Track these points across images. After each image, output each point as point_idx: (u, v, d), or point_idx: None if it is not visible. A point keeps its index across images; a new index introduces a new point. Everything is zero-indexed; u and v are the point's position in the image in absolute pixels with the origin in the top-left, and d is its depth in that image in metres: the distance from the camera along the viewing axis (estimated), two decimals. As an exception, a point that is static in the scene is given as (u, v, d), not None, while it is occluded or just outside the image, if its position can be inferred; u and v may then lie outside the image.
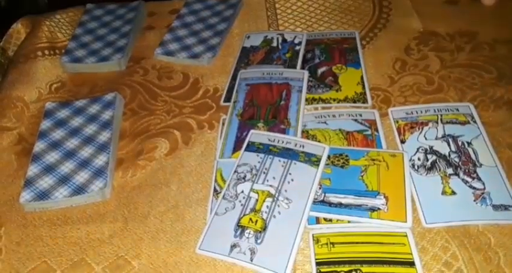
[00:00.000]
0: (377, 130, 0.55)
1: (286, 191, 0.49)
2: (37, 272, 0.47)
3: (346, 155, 0.52)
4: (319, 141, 0.55)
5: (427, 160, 0.52)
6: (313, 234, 0.46)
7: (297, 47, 0.68)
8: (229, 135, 0.57)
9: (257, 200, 0.49)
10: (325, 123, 0.57)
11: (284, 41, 0.70)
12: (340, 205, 0.48)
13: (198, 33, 0.73)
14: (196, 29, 0.74)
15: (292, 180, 0.50)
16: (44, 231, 0.51)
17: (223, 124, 0.59)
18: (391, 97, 0.60)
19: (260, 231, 0.47)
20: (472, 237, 0.45)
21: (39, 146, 0.58)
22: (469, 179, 0.50)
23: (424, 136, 0.55)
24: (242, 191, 0.50)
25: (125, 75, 0.69)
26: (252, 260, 0.45)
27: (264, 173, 0.51)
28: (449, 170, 0.51)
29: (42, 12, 0.82)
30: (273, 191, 0.49)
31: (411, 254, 0.44)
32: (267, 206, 0.48)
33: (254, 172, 0.52)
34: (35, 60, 0.72)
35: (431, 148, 0.53)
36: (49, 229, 0.51)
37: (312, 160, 0.51)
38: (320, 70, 0.65)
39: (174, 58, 0.70)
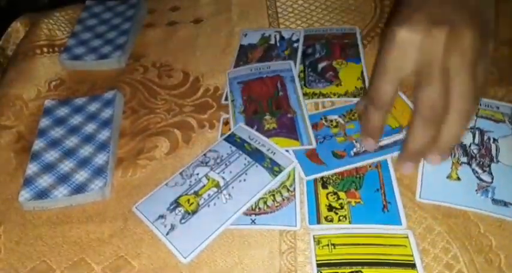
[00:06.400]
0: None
1: (233, 187, 0.50)
2: (36, 272, 0.47)
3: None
4: None
5: None
6: (314, 236, 0.46)
7: (295, 44, 0.68)
8: None
9: (204, 185, 0.51)
10: None
11: (282, 38, 0.70)
12: (381, 147, 0.52)
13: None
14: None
15: (244, 180, 0.51)
16: (43, 231, 0.50)
17: (224, 123, 0.59)
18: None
19: (189, 213, 0.49)
20: (473, 239, 0.45)
21: (38, 144, 0.57)
22: (479, 171, 0.50)
23: None
24: (198, 174, 0.52)
25: (124, 72, 0.69)
26: (167, 234, 0.47)
27: (226, 165, 0.52)
28: (464, 159, 0.51)
29: (42, 11, 0.82)
30: (222, 183, 0.51)
31: (412, 255, 0.44)
32: (209, 195, 0.50)
33: (218, 160, 0.53)
34: (34, 58, 0.71)
35: None
36: (48, 228, 0.51)
37: (274, 169, 0.51)
38: (320, 65, 0.65)
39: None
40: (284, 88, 0.61)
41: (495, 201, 0.47)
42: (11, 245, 0.49)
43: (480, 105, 0.56)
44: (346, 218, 0.47)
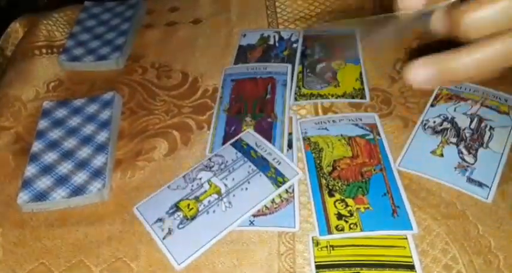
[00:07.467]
0: (379, 134, 0.55)
1: (234, 195, 0.50)
2: (35, 274, 0.47)
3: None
4: (320, 149, 0.54)
5: (440, 125, 0.54)
6: (312, 237, 0.46)
7: (294, 45, 0.68)
8: (217, 130, 0.58)
9: (206, 191, 0.51)
10: (325, 129, 0.56)
11: (281, 38, 0.70)
12: None
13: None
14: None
15: (246, 189, 0.50)
16: (42, 233, 0.50)
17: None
18: (391, 97, 0.60)
19: (188, 219, 0.48)
20: (472, 240, 0.45)
21: (37, 146, 0.57)
22: (465, 152, 0.52)
23: (455, 108, 0.56)
24: (200, 178, 0.52)
25: (123, 73, 0.69)
26: (164, 238, 0.47)
27: (229, 171, 0.52)
28: (453, 140, 0.53)
29: (42, 12, 0.81)
30: (223, 190, 0.50)
31: (411, 257, 0.44)
32: (209, 201, 0.50)
33: (222, 166, 0.53)
34: (33, 59, 0.71)
35: (452, 118, 0.55)
36: (47, 230, 0.51)
37: (278, 179, 0.51)
38: (319, 66, 0.65)
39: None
40: (274, 91, 0.61)
41: (470, 180, 0.49)
42: (10, 246, 0.49)
43: (488, 95, 0.57)
44: (357, 226, 0.46)
